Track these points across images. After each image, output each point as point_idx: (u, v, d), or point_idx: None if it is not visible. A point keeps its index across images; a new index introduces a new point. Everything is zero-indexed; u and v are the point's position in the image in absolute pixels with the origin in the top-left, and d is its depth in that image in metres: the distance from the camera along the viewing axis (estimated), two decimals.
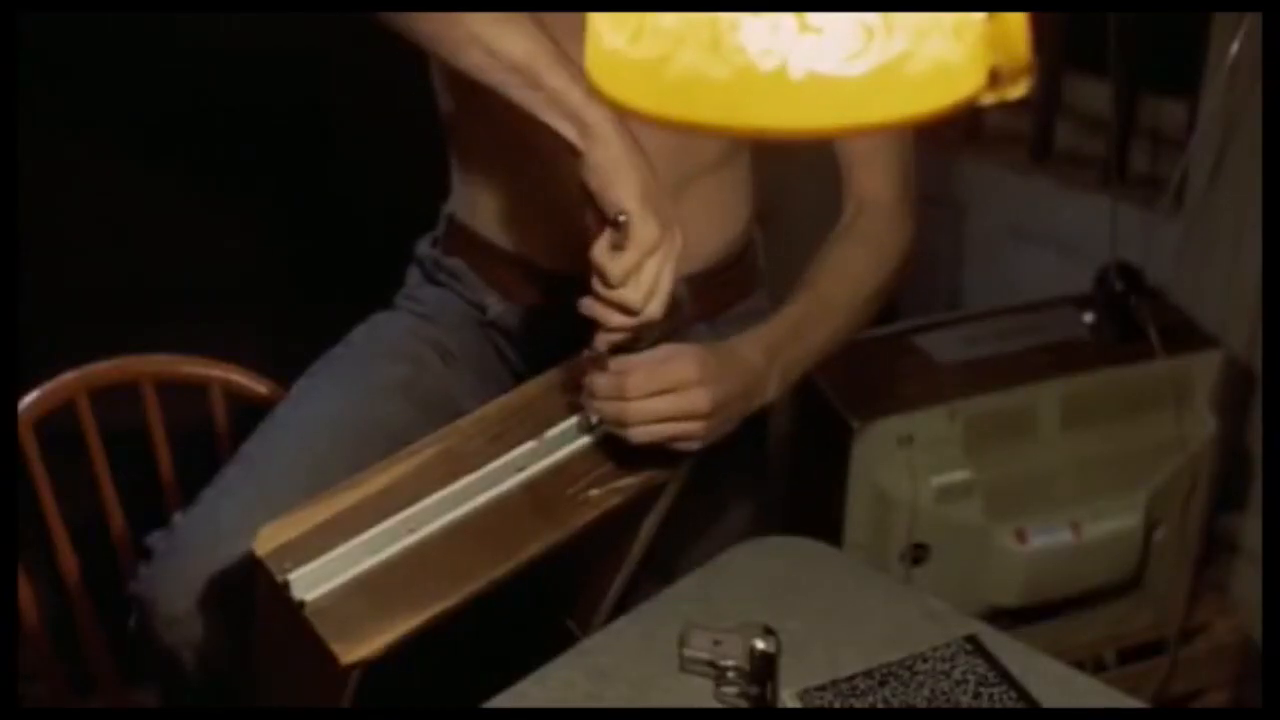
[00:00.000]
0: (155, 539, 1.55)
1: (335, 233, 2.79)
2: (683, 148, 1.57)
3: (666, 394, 1.40)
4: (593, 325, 1.48)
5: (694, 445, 1.44)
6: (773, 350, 1.51)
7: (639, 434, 1.41)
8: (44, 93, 2.29)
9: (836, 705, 1.36)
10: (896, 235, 1.62)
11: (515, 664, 1.40)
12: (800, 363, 1.54)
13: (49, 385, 1.84)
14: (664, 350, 1.43)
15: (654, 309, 1.40)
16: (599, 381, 1.41)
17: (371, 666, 1.28)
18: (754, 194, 1.69)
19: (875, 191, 1.61)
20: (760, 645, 1.33)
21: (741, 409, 1.48)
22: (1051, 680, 1.41)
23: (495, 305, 1.66)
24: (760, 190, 1.69)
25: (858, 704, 1.36)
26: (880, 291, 1.61)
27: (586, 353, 1.43)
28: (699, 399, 1.41)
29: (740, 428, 1.70)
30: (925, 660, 1.41)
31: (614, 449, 1.48)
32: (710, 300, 1.66)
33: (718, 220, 1.65)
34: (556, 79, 1.37)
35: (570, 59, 1.37)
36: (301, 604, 1.28)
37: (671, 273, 1.41)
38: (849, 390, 2.20)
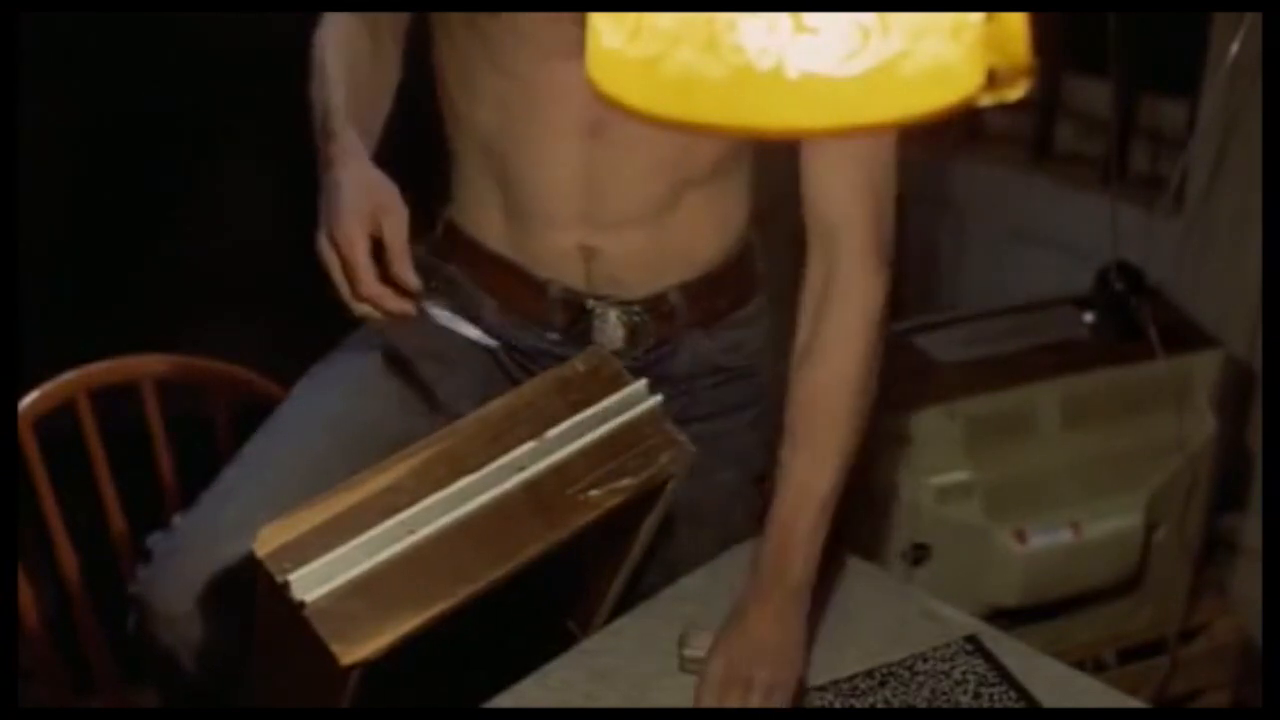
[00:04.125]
0: (155, 540, 1.55)
1: None
2: (683, 152, 1.57)
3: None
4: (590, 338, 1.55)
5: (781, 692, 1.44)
6: (774, 598, 1.47)
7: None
8: (44, 92, 2.29)
9: (836, 705, 1.36)
10: (868, 301, 1.53)
11: (515, 664, 1.40)
12: (809, 558, 1.49)
13: (49, 385, 1.84)
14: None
15: None
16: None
17: (371, 666, 1.28)
18: (752, 199, 1.69)
19: (846, 240, 1.52)
20: None
21: (787, 651, 1.45)
22: (1051, 680, 1.41)
23: (491, 313, 1.66)
24: (758, 194, 1.69)
25: (858, 704, 1.37)
26: (862, 396, 1.53)
27: None
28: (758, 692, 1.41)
29: (741, 428, 1.70)
30: (925, 660, 1.41)
31: (614, 449, 1.48)
32: (706, 306, 1.65)
33: (716, 226, 1.64)
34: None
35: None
36: (302, 604, 1.28)
37: None
38: None
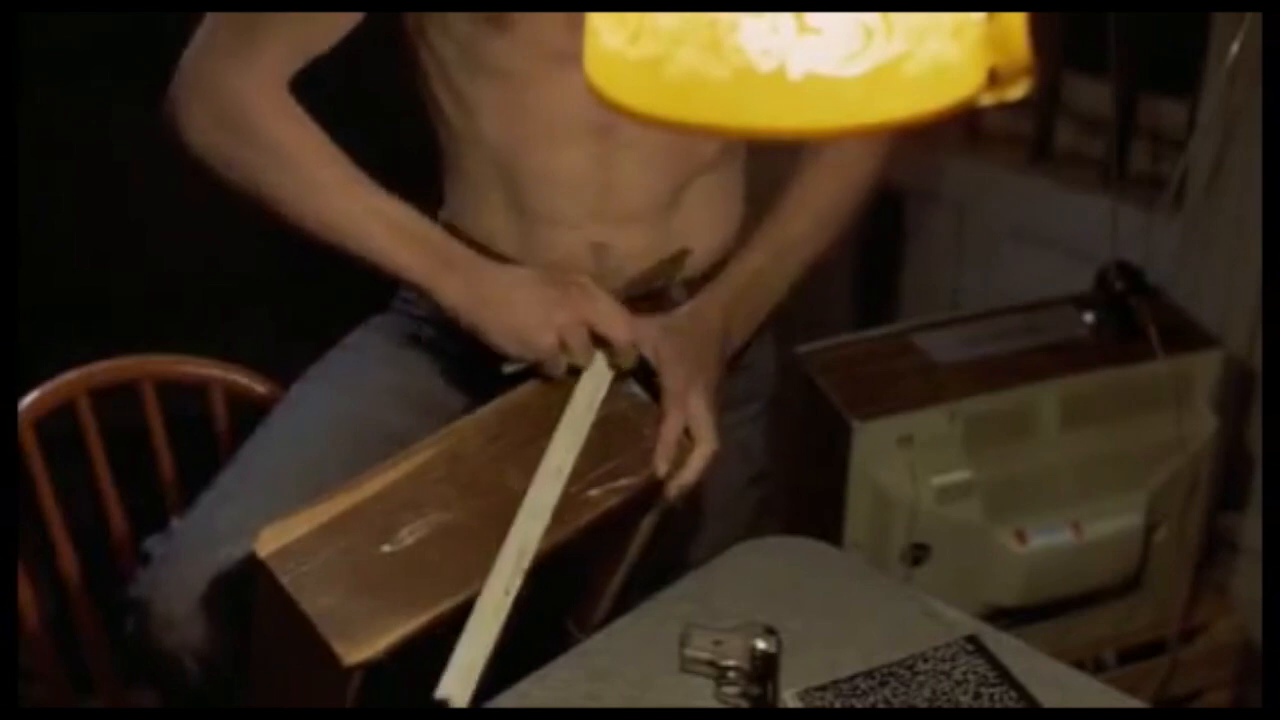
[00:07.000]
0: (153, 543, 1.55)
1: None
2: (681, 150, 1.57)
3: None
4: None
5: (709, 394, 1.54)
6: (731, 306, 1.60)
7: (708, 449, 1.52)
8: (45, 93, 2.29)
9: (836, 705, 1.36)
10: (867, 159, 1.67)
11: (515, 664, 1.40)
12: (764, 307, 1.64)
13: (49, 385, 1.84)
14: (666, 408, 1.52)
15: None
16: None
17: (373, 667, 1.28)
18: (747, 194, 1.69)
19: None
20: (761, 645, 1.33)
21: (713, 358, 1.57)
22: (1051, 680, 1.41)
23: None
24: (756, 189, 1.69)
25: (858, 704, 1.36)
26: (843, 216, 1.69)
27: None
28: (697, 402, 1.52)
29: (744, 422, 1.70)
30: (925, 660, 1.41)
31: (613, 448, 1.48)
32: None
33: (714, 222, 1.65)
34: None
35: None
36: (303, 605, 1.28)
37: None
38: (849, 390, 2.20)
